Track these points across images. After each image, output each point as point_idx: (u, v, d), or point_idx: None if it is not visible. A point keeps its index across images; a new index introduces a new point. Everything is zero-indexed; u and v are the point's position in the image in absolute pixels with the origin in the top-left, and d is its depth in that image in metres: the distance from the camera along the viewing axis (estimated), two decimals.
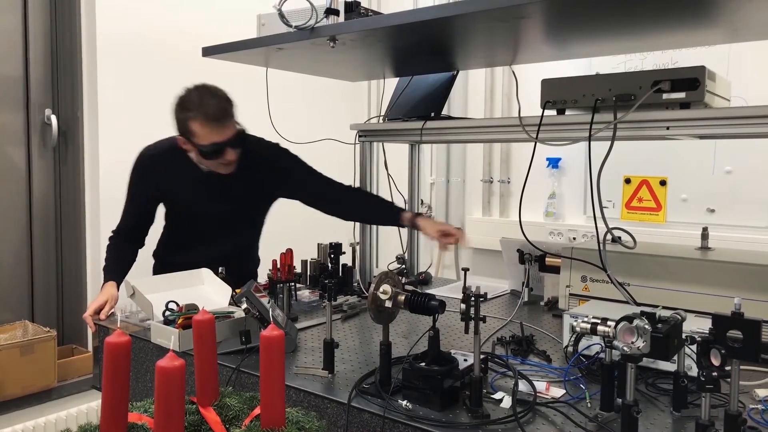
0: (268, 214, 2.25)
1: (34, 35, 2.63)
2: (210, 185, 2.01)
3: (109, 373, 0.87)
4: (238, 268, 2.07)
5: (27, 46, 2.61)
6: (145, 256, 2.14)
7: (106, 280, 1.99)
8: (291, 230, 2.49)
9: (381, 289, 1.29)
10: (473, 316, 1.18)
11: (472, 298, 1.18)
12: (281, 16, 1.67)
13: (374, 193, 2.35)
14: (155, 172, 2.03)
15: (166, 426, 0.84)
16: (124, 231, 2.10)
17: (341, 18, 1.67)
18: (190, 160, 1.96)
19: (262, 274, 2.09)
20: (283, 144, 2.21)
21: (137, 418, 0.95)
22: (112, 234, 2.11)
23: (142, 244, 2.14)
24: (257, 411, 0.98)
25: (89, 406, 2.51)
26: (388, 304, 1.28)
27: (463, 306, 1.19)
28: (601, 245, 1.60)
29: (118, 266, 2.03)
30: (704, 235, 1.83)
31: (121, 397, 0.88)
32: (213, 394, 1.03)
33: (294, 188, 2.12)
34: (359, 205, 2.15)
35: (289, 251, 1.99)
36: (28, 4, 2.60)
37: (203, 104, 1.80)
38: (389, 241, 2.67)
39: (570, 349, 1.47)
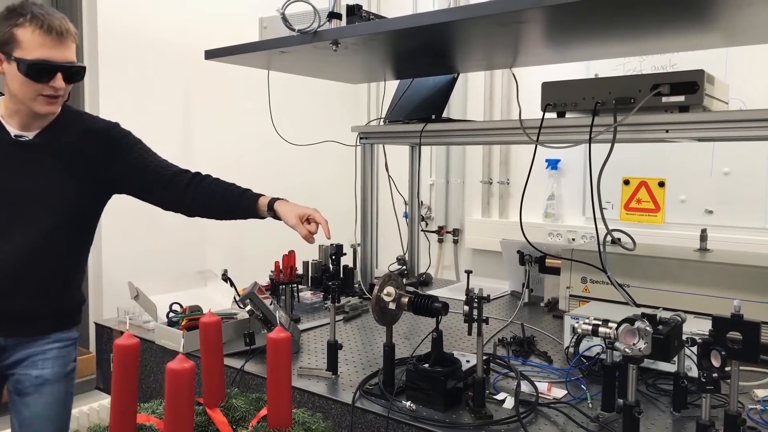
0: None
1: None
2: (22, 157, 1.51)
3: (119, 374, 0.89)
4: (47, 307, 1.55)
5: None
6: (148, 256, 2.13)
7: None
8: (292, 231, 2.50)
9: (385, 291, 1.30)
10: (476, 317, 1.19)
11: (475, 300, 1.19)
12: (284, 19, 1.68)
13: (368, 193, 2.31)
14: None
15: (176, 427, 0.85)
16: None
17: (343, 22, 1.68)
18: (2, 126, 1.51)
19: (263, 275, 2.09)
20: (284, 145, 2.22)
21: (145, 419, 0.97)
22: None
23: None
24: (264, 412, 1.00)
25: (91, 407, 2.51)
26: (392, 306, 1.30)
27: (466, 308, 1.20)
28: (601, 247, 1.61)
29: None
30: (703, 237, 1.85)
31: (130, 398, 0.90)
32: (220, 395, 1.04)
33: (131, 172, 1.64)
34: (204, 193, 1.66)
35: (292, 253, 2.00)
36: None
37: (43, 14, 1.41)
38: (390, 243, 2.69)
39: (571, 350, 1.49)
